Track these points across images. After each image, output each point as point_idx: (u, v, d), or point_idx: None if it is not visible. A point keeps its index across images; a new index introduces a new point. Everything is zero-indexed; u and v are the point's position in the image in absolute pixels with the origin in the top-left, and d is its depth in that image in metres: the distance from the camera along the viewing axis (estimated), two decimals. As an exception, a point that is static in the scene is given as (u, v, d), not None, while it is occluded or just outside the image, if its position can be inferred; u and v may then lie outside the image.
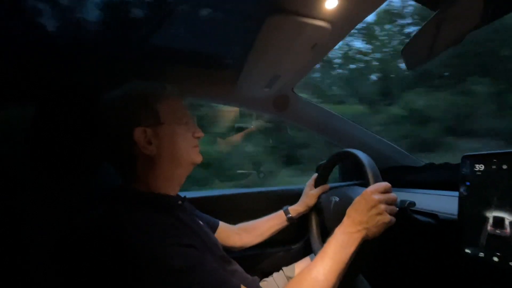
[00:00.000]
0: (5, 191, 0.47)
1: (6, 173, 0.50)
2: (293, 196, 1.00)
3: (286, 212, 0.93)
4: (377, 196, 0.57)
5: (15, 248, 0.46)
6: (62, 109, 0.67)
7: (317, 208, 0.92)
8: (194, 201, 0.77)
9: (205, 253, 0.53)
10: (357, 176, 1.28)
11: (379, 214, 0.56)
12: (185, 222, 0.58)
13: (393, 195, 0.59)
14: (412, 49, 0.57)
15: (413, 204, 0.67)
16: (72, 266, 0.52)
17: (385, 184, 0.60)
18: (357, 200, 0.59)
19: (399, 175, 1.13)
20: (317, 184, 0.94)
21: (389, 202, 0.58)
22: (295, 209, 0.93)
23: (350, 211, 0.59)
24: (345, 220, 0.59)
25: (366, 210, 0.56)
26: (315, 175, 0.96)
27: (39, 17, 0.75)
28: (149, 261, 0.45)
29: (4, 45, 0.72)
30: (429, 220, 0.74)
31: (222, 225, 0.86)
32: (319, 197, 0.92)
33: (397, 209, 0.59)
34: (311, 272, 0.54)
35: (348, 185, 0.99)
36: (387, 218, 0.56)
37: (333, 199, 0.82)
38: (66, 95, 0.70)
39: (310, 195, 0.93)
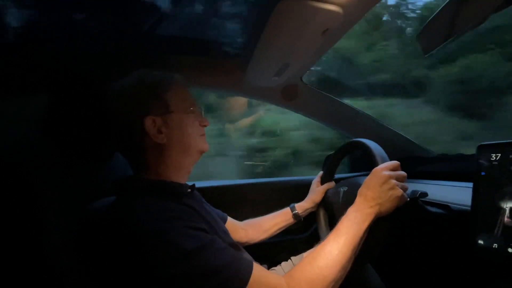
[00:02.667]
0: (19, 182, 0.49)
1: (19, 164, 0.51)
2: (303, 187, 0.99)
3: (292, 209, 0.92)
4: (388, 172, 0.57)
5: (29, 239, 0.47)
6: (73, 99, 0.68)
7: (324, 202, 0.91)
8: (202, 191, 0.77)
9: (215, 236, 0.53)
10: (366, 167, 1.26)
11: (391, 189, 0.56)
12: (195, 209, 0.58)
13: (402, 172, 0.59)
14: (429, 33, 0.55)
15: (425, 194, 0.66)
16: (87, 254, 0.54)
17: (394, 162, 0.60)
18: (367, 178, 0.59)
19: (411, 166, 1.11)
20: (323, 180, 0.93)
21: (399, 179, 0.58)
22: (302, 206, 0.92)
23: (361, 190, 0.59)
24: (357, 199, 0.59)
25: (378, 186, 0.56)
26: (321, 172, 0.96)
27: (48, 7, 0.75)
28: (161, 245, 0.45)
29: (15, 37, 0.73)
30: (441, 211, 0.72)
31: (229, 219, 0.86)
32: (326, 193, 0.91)
33: (407, 186, 0.59)
34: (325, 248, 0.54)
35: (357, 176, 0.98)
36: (399, 192, 0.56)
37: (342, 189, 0.82)
38: (77, 86, 0.71)
39: (316, 191, 0.92)
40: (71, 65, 0.77)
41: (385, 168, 0.58)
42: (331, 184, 0.92)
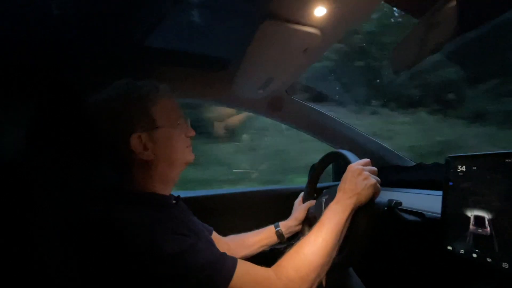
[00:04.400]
0: (7, 190, 0.49)
1: (19, 164, 0.52)
2: (289, 196, 1.01)
3: (276, 227, 0.92)
4: (360, 166, 0.64)
5: (28, 238, 0.48)
6: (59, 108, 0.68)
7: (308, 219, 0.92)
8: (187, 201, 0.78)
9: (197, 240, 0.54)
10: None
11: (365, 179, 0.61)
12: (179, 219, 0.59)
13: (373, 167, 0.65)
14: (398, 55, 0.60)
15: (399, 203, 0.70)
16: (81, 255, 0.54)
17: (365, 159, 0.66)
18: (344, 175, 0.65)
19: (390, 175, 1.16)
20: (305, 199, 0.96)
21: (371, 172, 0.64)
22: (286, 224, 0.92)
23: (340, 186, 0.64)
24: (337, 194, 0.63)
25: (354, 178, 0.62)
26: (302, 193, 0.98)
27: (34, 14, 0.75)
28: (144, 249, 0.46)
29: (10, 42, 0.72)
30: (416, 218, 0.76)
31: (214, 233, 0.86)
32: (308, 210, 0.92)
33: (380, 180, 0.64)
34: (310, 237, 0.58)
35: (336, 185, 1.01)
36: (373, 180, 0.61)
37: (324, 198, 0.85)
38: (63, 95, 0.71)
39: (299, 209, 0.93)
40: (58, 74, 0.77)
41: (357, 164, 0.65)
42: (312, 202, 0.93)
